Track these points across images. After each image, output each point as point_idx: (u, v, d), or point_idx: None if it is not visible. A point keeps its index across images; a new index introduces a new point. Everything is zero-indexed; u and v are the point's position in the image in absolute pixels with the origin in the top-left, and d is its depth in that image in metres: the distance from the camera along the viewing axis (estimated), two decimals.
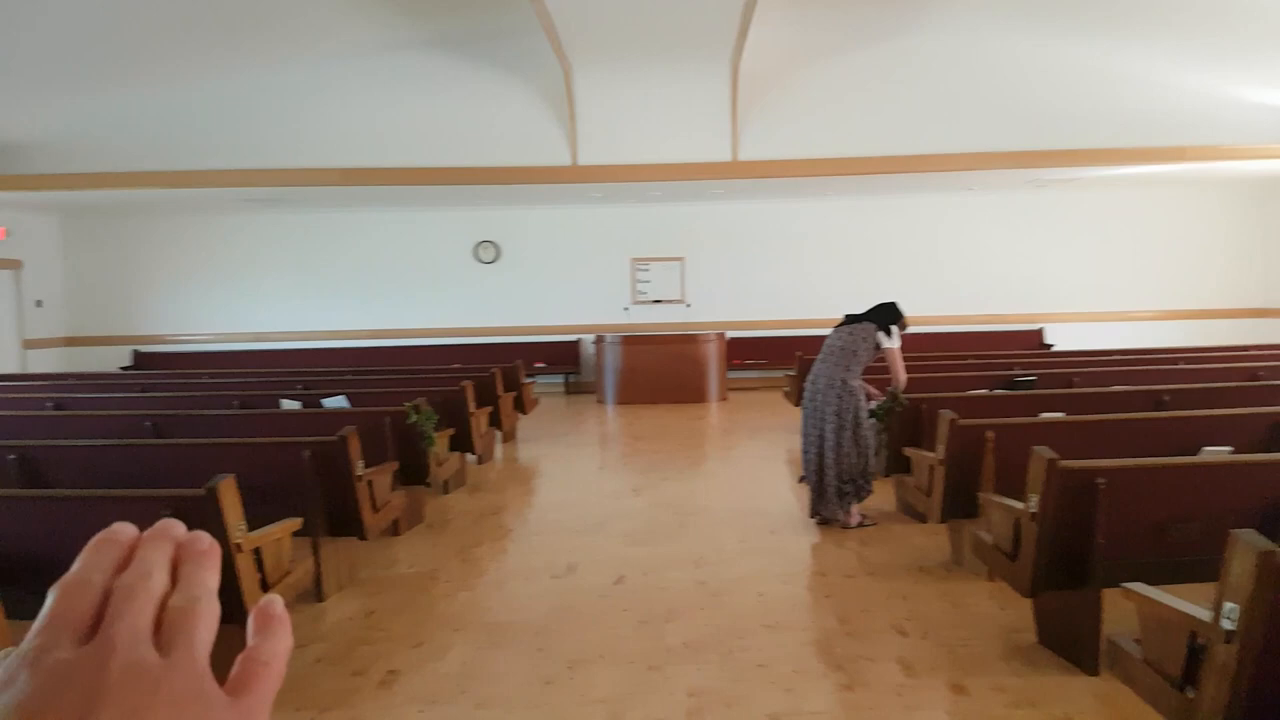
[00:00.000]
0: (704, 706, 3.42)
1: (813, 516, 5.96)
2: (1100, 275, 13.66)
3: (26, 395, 8.00)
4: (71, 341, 14.07)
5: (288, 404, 7.03)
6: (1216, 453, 4.32)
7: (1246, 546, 2.27)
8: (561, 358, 13.93)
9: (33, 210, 13.01)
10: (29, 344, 13.16)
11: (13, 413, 6.76)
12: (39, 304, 13.40)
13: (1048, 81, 10.63)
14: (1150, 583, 2.85)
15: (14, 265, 12.92)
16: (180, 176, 11.02)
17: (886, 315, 5.86)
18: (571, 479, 8.00)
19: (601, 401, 12.65)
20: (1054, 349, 12.69)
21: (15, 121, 10.54)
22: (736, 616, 4.36)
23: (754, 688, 3.57)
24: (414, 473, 5.95)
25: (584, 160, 11.05)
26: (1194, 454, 4.31)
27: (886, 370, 6.04)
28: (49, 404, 7.40)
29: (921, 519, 5.92)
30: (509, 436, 9.55)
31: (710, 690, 3.56)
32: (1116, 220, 13.60)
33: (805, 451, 5.94)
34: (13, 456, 4.78)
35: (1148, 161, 10.82)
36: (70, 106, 10.53)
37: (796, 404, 9.60)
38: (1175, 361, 8.59)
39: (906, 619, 4.26)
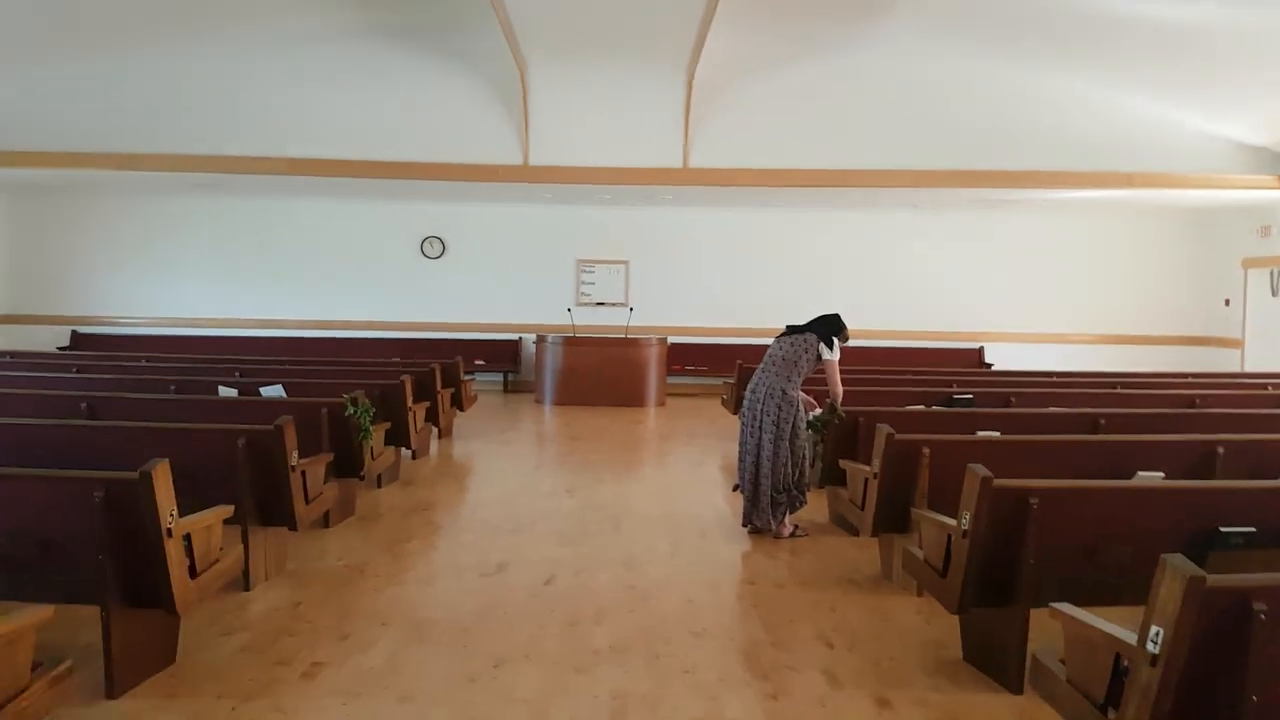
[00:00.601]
0: (627, 709, 3.43)
1: (745, 525, 6.00)
2: (1042, 297, 13.96)
3: None
4: (8, 319, 13.63)
5: (225, 391, 6.89)
6: (1150, 477, 4.44)
7: (1175, 571, 2.32)
8: (502, 356, 13.86)
9: None
10: None
11: None
12: None
13: (997, 103, 10.88)
14: (1078, 603, 2.91)
15: None
16: (126, 159, 10.74)
17: (829, 327, 5.94)
18: (506, 477, 7.96)
19: (540, 401, 12.61)
20: (993, 368, 12.96)
21: None
22: (664, 621, 4.38)
23: (678, 693, 3.59)
24: (348, 465, 5.88)
25: (535, 160, 11.02)
26: (1128, 477, 4.43)
27: (825, 382, 6.11)
28: None
29: (853, 531, 6.00)
30: (445, 433, 9.46)
31: (634, 693, 3.56)
32: (1060, 244, 13.91)
33: (741, 460, 5.99)
34: None
35: (1096, 186, 11.11)
36: (13, 81, 10.19)
37: (734, 412, 9.68)
38: (1113, 385, 8.74)
39: (833, 630, 4.32)
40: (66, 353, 12.32)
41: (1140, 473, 4.62)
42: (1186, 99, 10.52)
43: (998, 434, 5.52)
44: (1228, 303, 13.31)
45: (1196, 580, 2.29)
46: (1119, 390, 8.34)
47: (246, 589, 4.61)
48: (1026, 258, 13.95)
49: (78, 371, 8.08)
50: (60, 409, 5.81)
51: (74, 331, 13.72)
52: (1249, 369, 12.18)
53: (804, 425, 5.90)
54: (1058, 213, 13.67)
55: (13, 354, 10.01)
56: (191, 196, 13.48)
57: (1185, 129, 10.92)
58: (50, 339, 13.48)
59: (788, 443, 5.82)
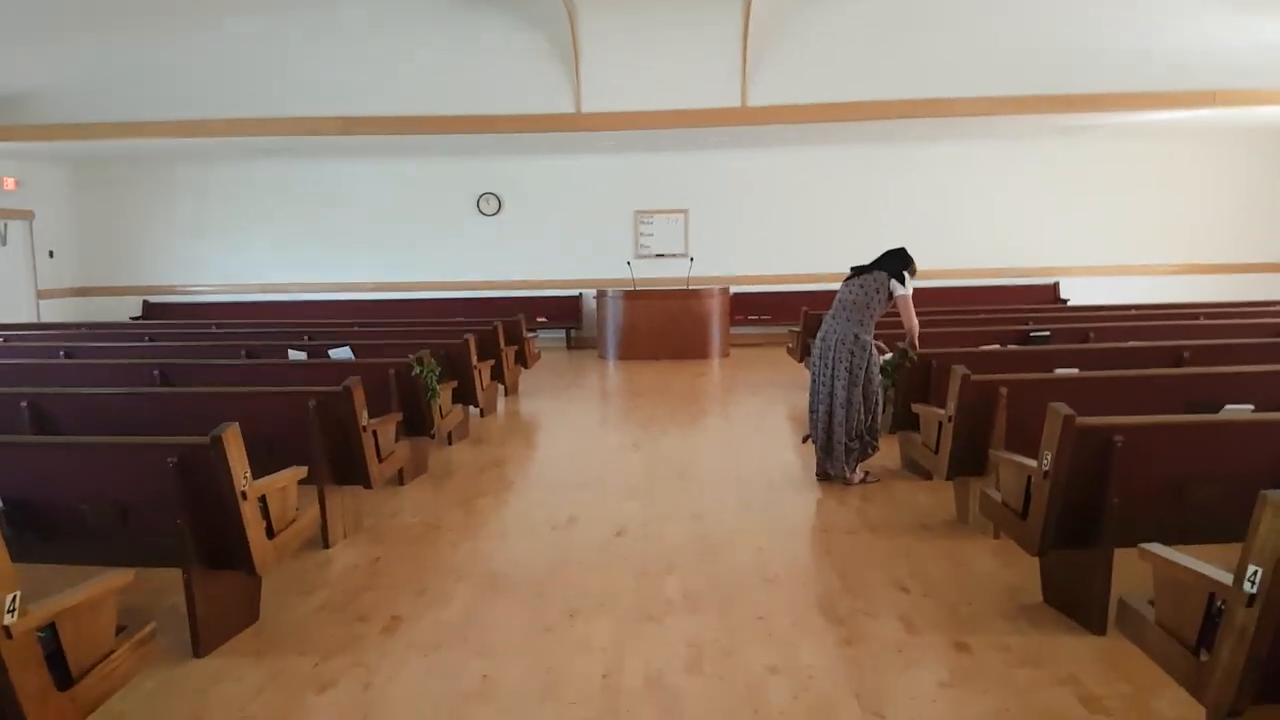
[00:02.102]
0: (702, 657, 3.42)
1: (820, 477, 5.93)
2: (1119, 228, 13.43)
3: (38, 344, 8.01)
4: (83, 292, 14.08)
5: (295, 354, 7.02)
6: (1238, 411, 4.25)
7: (1276, 507, 2.19)
8: (563, 312, 13.88)
9: (42, 160, 12.95)
10: (42, 294, 13.19)
11: (25, 361, 6.78)
12: (51, 255, 13.39)
13: (1073, 24, 10.36)
14: (1164, 543, 2.79)
15: (26, 215, 12.89)
16: (184, 126, 10.95)
17: (898, 262, 5.74)
18: (572, 433, 7.99)
19: (603, 357, 12.62)
20: (1069, 304, 12.55)
21: (22, 69, 10.43)
22: (735, 570, 4.36)
23: (752, 640, 3.57)
24: (418, 424, 5.95)
25: (588, 108, 10.89)
26: (1214, 412, 4.24)
27: (896, 324, 5.94)
28: (60, 353, 7.40)
29: (926, 476, 5.90)
30: (511, 390, 9.54)
31: (708, 641, 3.56)
32: (1138, 171, 13.32)
33: (813, 410, 5.87)
34: (24, 404, 4.81)
35: (1178, 106, 10.57)
36: (76, 53, 10.42)
37: (800, 360, 9.57)
38: (1195, 316, 8.42)
39: (908, 576, 4.25)
40: (139, 322, 12.70)
41: (1228, 406, 4.43)
42: (1272, 14, 9.89)
43: (1076, 371, 5.35)
44: None
45: None
46: (1203, 321, 8.01)
47: (326, 547, 4.72)
48: (1101, 187, 13.39)
49: (150, 340, 8.30)
50: (135, 378, 5.97)
51: (145, 301, 14.13)
52: None
53: (877, 370, 5.76)
54: (1134, 137, 13.05)
55: (88, 325, 10.35)
56: (253, 162, 13.68)
57: (1270, 42, 10.27)
58: (123, 309, 13.93)
59: (861, 389, 5.70)
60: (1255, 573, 2.24)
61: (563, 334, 14.04)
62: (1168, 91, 10.43)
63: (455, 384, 6.95)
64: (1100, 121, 11.51)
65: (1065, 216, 13.44)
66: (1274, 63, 10.33)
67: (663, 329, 12.20)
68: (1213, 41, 10.28)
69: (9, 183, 12.36)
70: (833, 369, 5.72)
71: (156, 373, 5.99)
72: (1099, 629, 3.53)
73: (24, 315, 12.50)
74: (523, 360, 9.67)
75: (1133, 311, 9.13)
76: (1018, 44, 10.47)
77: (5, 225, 12.53)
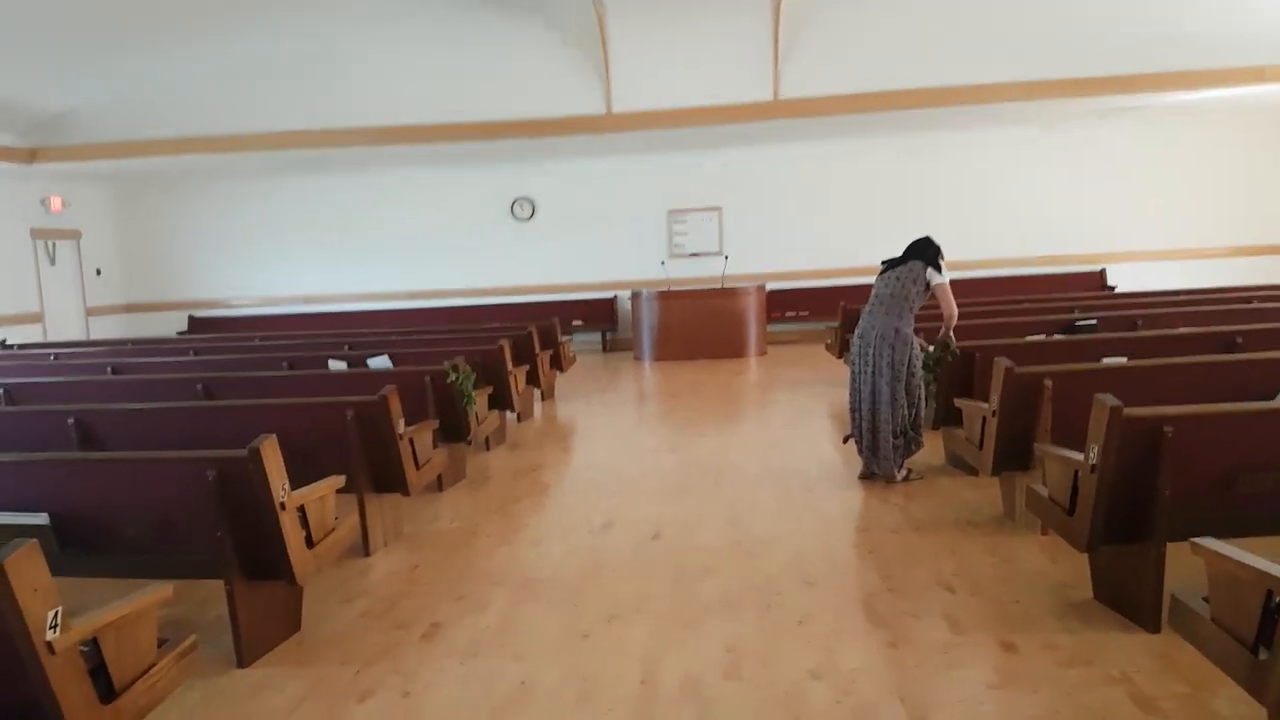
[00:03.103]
0: (741, 661, 3.37)
1: (864, 477, 5.82)
2: (1167, 211, 13.07)
3: (86, 360, 8.17)
4: (130, 308, 14.40)
5: (335, 364, 7.08)
6: None
7: None
8: (598, 315, 13.88)
9: (87, 180, 13.24)
10: (91, 312, 13.49)
11: (73, 378, 6.91)
12: (99, 272, 13.69)
13: (1108, 4, 10.10)
14: (1217, 536, 2.69)
15: (74, 235, 13.20)
16: (224, 141, 11.14)
17: (929, 251, 5.64)
18: (608, 436, 7.96)
19: (639, 358, 12.59)
20: (1116, 290, 12.26)
21: (64, 91, 10.68)
22: (774, 573, 4.29)
23: (793, 644, 3.51)
24: (454, 430, 5.97)
25: (619, 108, 10.87)
26: (1269, 399, 4.10)
27: (930, 317, 5.83)
28: (107, 369, 7.54)
29: (971, 472, 5.78)
30: (547, 394, 9.54)
31: (747, 646, 3.50)
32: (1185, 152, 12.96)
33: (855, 409, 5.77)
34: (71, 420, 4.89)
35: (1222, 84, 10.27)
36: (115, 73, 10.64)
37: (839, 356, 9.45)
38: (1249, 300, 8.16)
39: (954, 575, 4.16)
40: (184, 337, 12.92)
41: None
42: None
43: (1124, 360, 5.20)
44: None
45: None
46: (1255, 305, 7.75)
47: (366, 555, 4.75)
48: (1147, 170, 13.05)
49: (194, 354, 8.43)
50: (179, 392, 6.06)
51: (191, 316, 14.40)
52: None
53: (920, 363, 5.65)
54: (1178, 118, 12.70)
55: (134, 341, 10.55)
56: (290, 177, 13.87)
57: None
58: (170, 325, 14.20)
59: (904, 384, 5.60)
60: None
61: (598, 336, 14.03)
62: (1211, 69, 10.14)
63: (491, 389, 6.96)
64: (1142, 102, 11.23)
65: (1110, 201, 13.12)
66: None
67: (698, 328, 12.13)
68: (1257, 16, 9.95)
69: (56, 203, 12.66)
70: (874, 365, 5.62)
71: (200, 386, 6.07)
72: (1152, 626, 3.42)
73: (75, 333, 12.80)
74: (558, 364, 9.68)
75: (1183, 296, 8.89)
76: (1053, 27, 10.25)
77: (54, 245, 12.83)
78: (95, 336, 12.89)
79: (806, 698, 3.09)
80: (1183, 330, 6.41)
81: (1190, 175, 13.01)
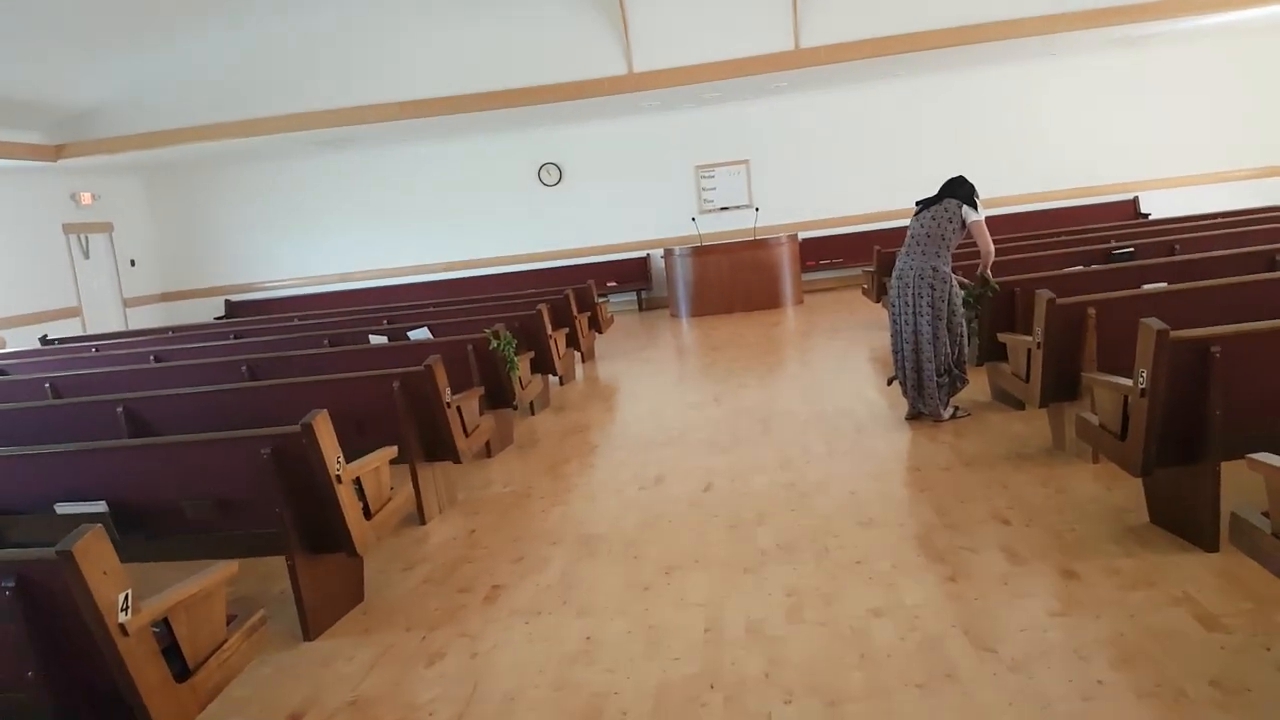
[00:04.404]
0: (803, 604, 3.41)
1: (911, 418, 5.81)
2: (1197, 135, 12.78)
3: (129, 350, 8.31)
4: (167, 297, 14.59)
5: (375, 339, 7.16)
6: None
7: None
8: (632, 275, 13.86)
9: (117, 172, 13.38)
10: (128, 303, 13.69)
11: (117, 368, 7.03)
12: (133, 263, 13.88)
13: None
14: (1272, 452, 2.68)
15: (105, 228, 13.37)
16: (249, 125, 11.18)
17: (964, 189, 5.60)
18: (652, 393, 7.99)
19: (675, 315, 12.58)
20: (1150, 218, 12.03)
21: (89, 85, 10.76)
22: (828, 516, 4.32)
23: (852, 584, 3.54)
24: (500, 396, 6.03)
25: (640, 67, 10.76)
26: None
27: (971, 255, 5.78)
28: (150, 357, 7.67)
29: (1018, 405, 5.76)
30: (588, 356, 9.58)
31: (808, 588, 3.54)
32: (1211, 75, 12.64)
33: (897, 350, 5.75)
34: (120, 409, 4.99)
35: (1247, 5, 9.97)
36: (138, 65, 10.69)
37: (876, 300, 9.39)
38: None
39: (1008, 507, 4.16)
40: (223, 321, 13.09)
41: None
42: None
43: (1165, 285, 5.13)
44: None
45: None
46: None
47: (423, 523, 4.83)
48: (1175, 95, 12.75)
49: (235, 338, 8.54)
50: (224, 375, 6.12)
51: (227, 301, 14.58)
52: None
53: (960, 301, 5.61)
54: (1202, 40, 12.34)
55: (174, 329, 10.72)
56: (317, 156, 13.90)
57: None
58: (207, 311, 14.40)
59: (945, 322, 5.56)
60: None
61: (634, 296, 14.03)
62: None
63: (532, 354, 7.01)
64: (1164, 29, 10.94)
65: (1140, 129, 12.85)
66: None
67: (733, 282, 12.11)
68: None
69: (86, 198, 12.81)
70: (914, 306, 5.59)
71: (244, 368, 6.16)
72: (1211, 546, 3.41)
73: (113, 324, 13.00)
74: (596, 325, 9.70)
75: (1219, 219, 8.71)
76: None
77: (86, 239, 13.00)
78: (133, 327, 13.09)
79: (871, 635, 3.12)
80: (1221, 252, 6.30)
81: (1217, 98, 12.69)
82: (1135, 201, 12.98)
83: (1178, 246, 7.03)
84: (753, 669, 2.99)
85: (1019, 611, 3.17)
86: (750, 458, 5.44)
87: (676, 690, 2.92)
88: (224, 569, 2.83)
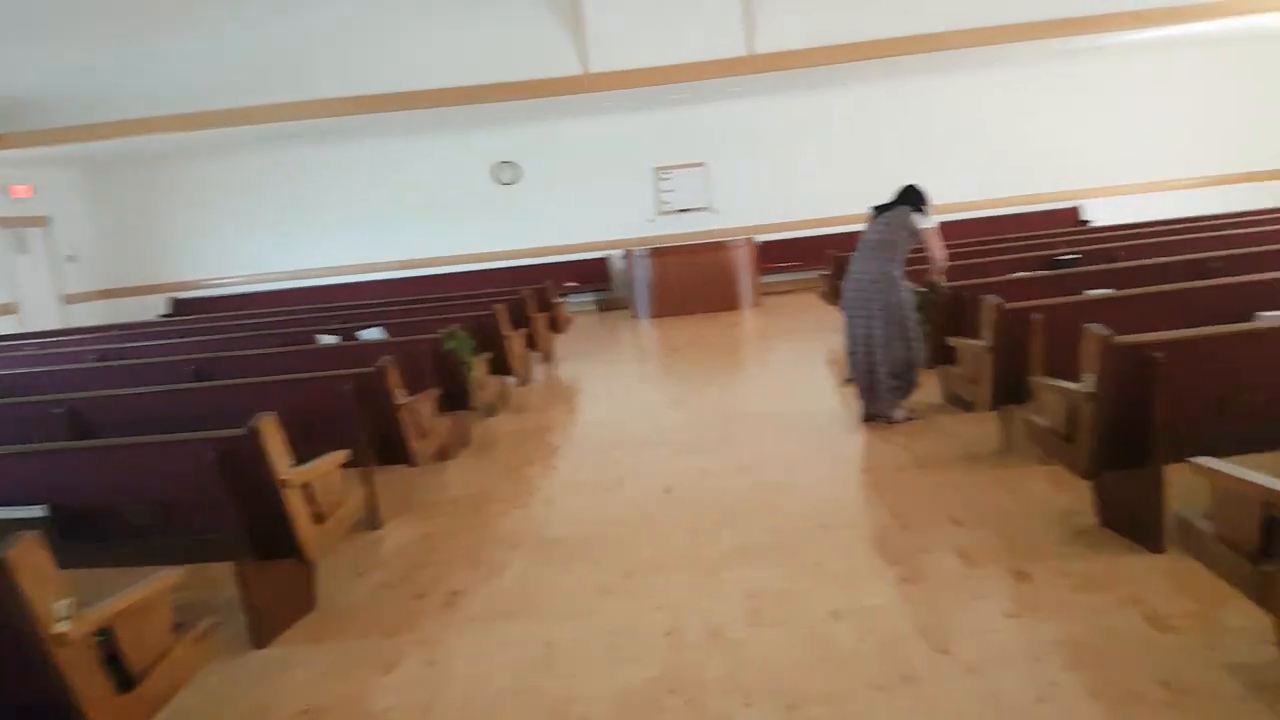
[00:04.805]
0: (764, 607, 3.42)
1: (866, 420, 5.88)
2: (1137, 145, 13.12)
3: (70, 349, 8.08)
4: (109, 294, 14.18)
5: (325, 339, 7.03)
6: (1273, 317, 4.17)
7: None
8: (592, 275, 13.81)
9: (56, 165, 12.96)
10: (68, 299, 13.30)
11: (58, 367, 6.84)
12: (71, 259, 13.48)
13: None
14: (1214, 455, 2.76)
15: (40, 222, 12.97)
16: (196, 119, 10.91)
17: (916, 196, 5.69)
18: (613, 394, 7.98)
19: (635, 316, 12.57)
20: (1093, 225, 12.33)
21: (24, 73, 10.42)
22: (788, 518, 4.34)
23: (813, 586, 3.56)
24: (456, 398, 5.96)
25: (595, 68, 10.72)
26: (1248, 320, 4.16)
27: (922, 260, 5.88)
28: (92, 356, 7.46)
29: (968, 408, 5.83)
30: (547, 357, 9.54)
31: (768, 591, 3.55)
32: (1150, 87, 13.00)
33: (852, 353, 5.81)
34: (60, 410, 4.81)
35: (1178, 21, 10.28)
36: (79, 53, 10.37)
37: (832, 303, 9.46)
38: (1221, 228, 8.27)
39: (961, 509, 4.22)
40: (168, 319, 12.79)
41: (1260, 314, 4.33)
42: None
43: (1109, 291, 5.25)
44: None
45: None
46: (1228, 232, 7.87)
47: (376, 528, 4.76)
48: (1115, 106, 13.08)
49: (182, 337, 8.34)
50: (169, 375, 5.94)
51: (173, 298, 14.20)
52: None
53: (912, 306, 5.70)
54: (1142, 53, 12.68)
55: (118, 327, 10.45)
56: (267, 151, 13.60)
57: None
58: (151, 308, 13.96)
59: (897, 326, 5.64)
60: None
61: (593, 297, 13.98)
62: (1167, 7, 10.12)
63: (490, 355, 6.96)
64: (1104, 42, 11.25)
65: (1082, 138, 13.14)
66: None
67: (693, 284, 12.13)
68: None
69: (21, 190, 12.40)
70: (867, 310, 5.66)
71: (191, 368, 6.02)
72: (1157, 547, 3.49)
73: (51, 322, 12.55)
74: (555, 326, 9.66)
75: (1159, 228, 8.96)
76: None
77: (22, 233, 12.57)
78: (73, 325, 12.71)
79: (830, 637, 3.14)
80: (1161, 260, 6.47)
81: (1155, 110, 13.05)
82: (1077, 210, 13.28)
83: (1121, 254, 7.20)
84: (713, 672, 2.99)
85: (974, 613, 3.22)
86: (711, 460, 5.46)
87: (637, 695, 2.91)
88: (169, 576, 2.76)
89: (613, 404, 7.53)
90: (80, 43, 10.05)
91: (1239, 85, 12.96)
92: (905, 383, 5.74)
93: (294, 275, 14.16)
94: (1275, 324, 3.74)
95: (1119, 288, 5.31)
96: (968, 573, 3.54)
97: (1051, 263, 7.15)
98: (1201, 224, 8.96)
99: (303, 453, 3.71)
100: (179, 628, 2.83)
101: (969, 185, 13.04)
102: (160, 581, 2.70)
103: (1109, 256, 7.16)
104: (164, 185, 14.04)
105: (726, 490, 4.86)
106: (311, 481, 3.68)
